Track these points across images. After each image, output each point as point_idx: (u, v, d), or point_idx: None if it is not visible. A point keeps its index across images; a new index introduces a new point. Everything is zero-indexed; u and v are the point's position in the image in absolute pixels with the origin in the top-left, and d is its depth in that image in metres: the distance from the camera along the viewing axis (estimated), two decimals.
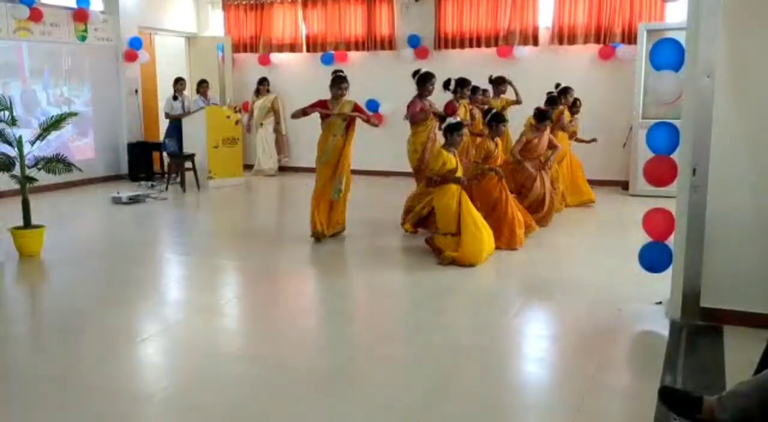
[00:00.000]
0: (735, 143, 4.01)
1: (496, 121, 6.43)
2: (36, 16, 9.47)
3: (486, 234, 5.72)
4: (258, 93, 11.60)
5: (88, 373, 3.65)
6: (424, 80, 6.73)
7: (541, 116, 7.22)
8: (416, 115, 6.72)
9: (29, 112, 9.47)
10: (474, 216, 5.71)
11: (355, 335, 4.31)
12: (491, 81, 8.64)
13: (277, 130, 11.69)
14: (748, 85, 3.97)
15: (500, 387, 3.51)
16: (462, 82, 7.78)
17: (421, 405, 3.24)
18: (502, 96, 8.68)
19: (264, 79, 11.63)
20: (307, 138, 11.67)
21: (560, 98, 8.42)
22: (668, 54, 4.24)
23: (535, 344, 4.14)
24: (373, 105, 10.60)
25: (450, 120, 5.94)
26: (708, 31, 3.90)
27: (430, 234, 6.12)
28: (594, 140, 8.75)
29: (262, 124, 11.55)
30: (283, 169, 11.74)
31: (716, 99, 3.95)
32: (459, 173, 5.78)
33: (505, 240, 6.07)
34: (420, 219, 6.67)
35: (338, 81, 6.42)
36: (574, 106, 8.65)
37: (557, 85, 8.55)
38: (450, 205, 5.66)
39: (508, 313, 4.54)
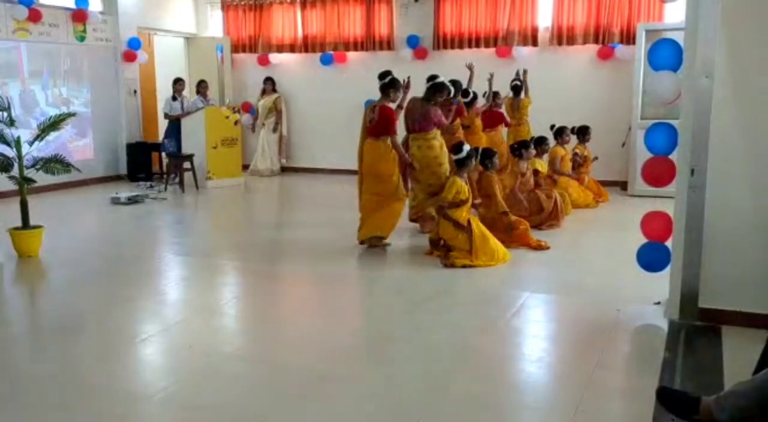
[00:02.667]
0: (734, 143, 4.01)
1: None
2: (35, 16, 9.46)
3: (499, 253, 5.74)
4: (263, 92, 11.64)
5: (88, 373, 3.65)
6: (441, 89, 6.56)
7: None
8: (445, 117, 6.61)
9: (28, 113, 9.47)
10: (485, 237, 5.72)
11: (354, 335, 4.31)
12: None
13: (276, 130, 11.70)
14: (748, 85, 3.98)
15: (500, 386, 3.52)
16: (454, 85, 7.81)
17: (421, 405, 3.25)
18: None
19: (268, 79, 11.65)
20: (307, 139, 11.79)
21: (556, 138, 8.44)
22: (667, 54, 4.25)
23: (535, 344, 4.15)
24: None
25: (466, 148, 5.89)
26: (706, 31, 3.91)
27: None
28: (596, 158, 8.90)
29: (264, 124, 11.58)
30: (282, 170, 11.74)
31: (715, 99, 3.95)
32: (470, 201, 5.85)
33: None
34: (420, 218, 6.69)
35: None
36: (586, 134, 8.69)
37: (552, 127, 8.52)
38: (460, 231, 5.70)
39: (508, 313, 4.55)
